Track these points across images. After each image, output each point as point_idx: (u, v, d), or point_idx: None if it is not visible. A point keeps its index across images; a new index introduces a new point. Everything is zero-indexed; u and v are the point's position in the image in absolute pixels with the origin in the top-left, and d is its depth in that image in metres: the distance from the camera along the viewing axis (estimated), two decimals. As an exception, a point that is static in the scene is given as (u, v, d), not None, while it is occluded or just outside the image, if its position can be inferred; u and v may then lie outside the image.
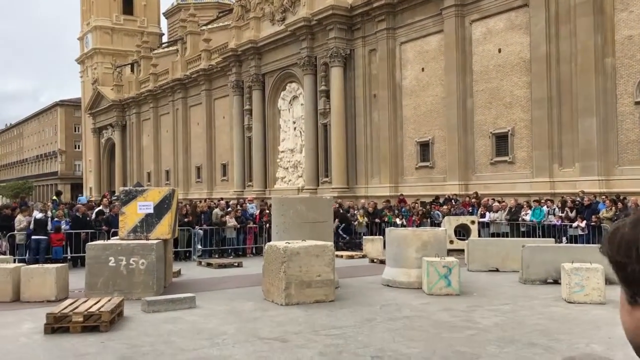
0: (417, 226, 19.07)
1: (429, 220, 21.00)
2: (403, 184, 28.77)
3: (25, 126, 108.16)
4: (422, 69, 28.17)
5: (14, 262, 13.09)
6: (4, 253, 14.59)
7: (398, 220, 20.97)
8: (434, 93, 27.59)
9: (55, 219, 16.72)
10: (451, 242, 16.95)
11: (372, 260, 16.71)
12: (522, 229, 18.53)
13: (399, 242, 11.89)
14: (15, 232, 15.77)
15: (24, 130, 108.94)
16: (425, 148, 28.13)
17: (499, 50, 24.80)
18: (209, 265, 16.20)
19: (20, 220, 16.01)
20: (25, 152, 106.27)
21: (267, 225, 17.91)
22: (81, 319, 7.98)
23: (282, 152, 36.78)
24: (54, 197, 23.53)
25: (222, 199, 25.68)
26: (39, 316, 8.56)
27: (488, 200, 20.85)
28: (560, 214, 18.16)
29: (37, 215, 16.05)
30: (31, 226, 15.76)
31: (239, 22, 39.00)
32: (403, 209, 22.31)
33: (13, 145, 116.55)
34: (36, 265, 11.56)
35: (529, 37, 23.49)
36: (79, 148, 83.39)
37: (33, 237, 15.46)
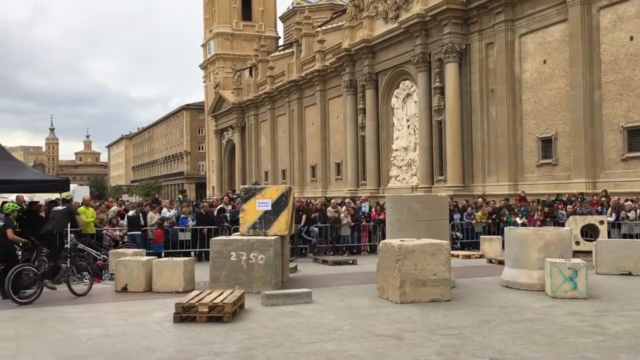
0: (539, 226, 18.17)
1: (551, 220, 19.94)
2: (523, 182, 27.51)
3: (155, 129, 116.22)
4: (544, 61, 26.76)
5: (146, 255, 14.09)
6: (138, 247, 15.75)
7: (518, 220, 20.11)
8: (557, 86, 26.12)
9: (182, 215, 17.84)
10: (577, 243, 15.98)
11: (490, 261, 16.17)
12: (659, 230, 17.06)
13: (519, 242, 11.40)
14: (148, 227, 17.01)
15: (154, 133, 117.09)
16: (547, 144, 26.70)
17: (631, 38, 22.97)
18: (324, 262, 16.49)
19: (152, 217, 17.26)
20: (156, 154, 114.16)
21: (382, 223, 17.90)
22: (206, 310, 8.44)
23: (396, 150, 36.56)
24: (179, 196, 25.05)
25: (342, 200, 25.97)
26: (169, 306, 9.17)
27: (619, 199, 19.41)
28: None
29: (130, 212, 17.25)
30: (125, 222, 16.90)
31: (353, 22, 39.28)
32: (522, 208, 21.35)
33: (144, 147, 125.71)
34: (166, 259, 12.38)
35: (666, 21, 21.56)
36: (202, 149, 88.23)
37: (129, 232, 16.56)
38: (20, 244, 11.28)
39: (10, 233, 10.81)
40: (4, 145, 15.49)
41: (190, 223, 17.56)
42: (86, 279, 12.13)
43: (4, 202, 14.23)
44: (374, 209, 20.89)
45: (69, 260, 11.63)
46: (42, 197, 17.66)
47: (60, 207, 12.33)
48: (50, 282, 11.04)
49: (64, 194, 13.92)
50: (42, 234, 12.66)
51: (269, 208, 12.20)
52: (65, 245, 12.03)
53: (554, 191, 24.15)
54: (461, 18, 30.02)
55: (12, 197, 16.50)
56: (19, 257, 11.39)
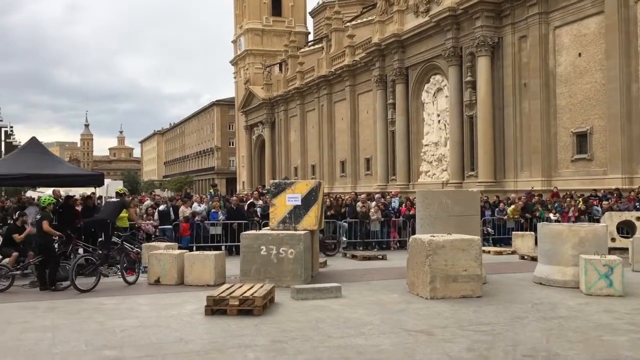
0: (573, 222, 17.84)
1: (586, 216, 19.56)
2: (557, 177, 27.04)
3: (187, 125, 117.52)
4: (579, 54, 26.21)
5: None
6: (169, 240, 15.96)
7: (552, 216, 19.77)
8: (592, 79, 25.56)
9: (212, 210, 18.01)
10: (613, 239, 15.63)
11: (522, 257, 15.94)
12: (699, 227, 16.55)
13: (553, 238, 11.20)
14: (179, 221, 17.22)
15: (186, 128, 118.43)
16: (582, 139, 26.17)
17: (671, 29, 22.34)
18: (353, 257, 16.49)
19: (184, 211, 17.48)
20: (187, 149, 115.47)
21: (412, 218, 17.80)
22: (237, 303, 8.52)
23: (426, 145, 36.29)
24: (211, 190, 25.26)
25: (371, 195, 25.89)
26: (200, 298, 9.28)
27: (656, 195, 18.94)
28: None
29: (161, 207, 17.49)
30: (155, 217, 17.12)
31: (383, 17, 39.06)
32: (557, 204, 20.98)
33: (176, 142, 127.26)
34: (197, 252, 12.54)
35: None
36: (232, 145, 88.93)
37: (159, 226, 16.81)
38: (56, 237, 11.57)
39: (45, 225, 11.08)
40: (42, 141, 15.93)
41: (221, 217, 17.73)
42: (117, 271, 12.42)
43: (39, 197, 14.63)
44: (404, 204, 20.77)
45: (121, 250, 12.23)
46: (77, 192, 18.08)
47: (113, 199, 12.87)
48: (105, 268, 11.52)
49: (118, 188, 14.59)
50: (77, 228, 13.08)
51: (299, 203, 12.23)
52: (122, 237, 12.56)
53: (589, 187, 23.69)
54: (493, 11, 29.60)
55: (49, 191, 16.91)
56: (56, 250, 11.67)
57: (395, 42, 36.69)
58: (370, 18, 45.97)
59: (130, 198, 21.06)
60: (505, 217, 19.93)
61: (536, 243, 14.14)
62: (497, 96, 29.86)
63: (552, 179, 27.07)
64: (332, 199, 20.71)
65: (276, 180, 14.13)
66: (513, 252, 16.91)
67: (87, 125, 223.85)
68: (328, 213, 18.32)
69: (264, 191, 22.78)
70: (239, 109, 72.33)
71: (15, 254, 11.96)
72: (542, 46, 27.58)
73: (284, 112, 58.59)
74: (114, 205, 12.94)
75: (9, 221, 15.08)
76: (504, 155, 29.64)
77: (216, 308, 8.59)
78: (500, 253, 17.03)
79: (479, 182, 29.31)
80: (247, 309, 8.51)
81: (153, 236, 16.32)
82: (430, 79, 35.75)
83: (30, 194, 23.51)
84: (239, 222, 17.42)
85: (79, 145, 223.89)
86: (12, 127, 78.23)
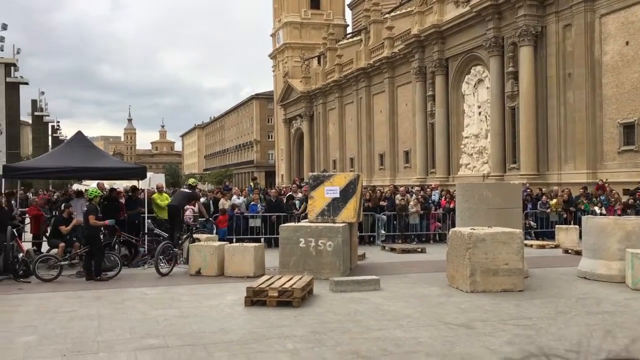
0: (619, 216, 17.33)
1: (633, 210, 18.97)
2: (602, 169, 26.27)
3: (226, 119, 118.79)
4: (627, 43, 25.35)
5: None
6: (209, 232, 16.19)
7: (597, 209, 19.27)
8: (640, 68, 24.71)
9: (252, 202, 18.19)
10: (661, 234, 15.11)
11: (566, 251, 15.60)
12: None
13: (598, 232, 10.92)
14: (220, 213, 17.45)
15: (225, 122, 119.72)
16: (629, 130, 25.34)
17: None
18: (392, 250, 16.43)
19: (224, 203, 17.71)
20: (227, 143, 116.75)
21: (451, 211, 17.61)
22: (276, 294, 8.61)
23: (466, 137, 35.76)
24: (251, 184, 25.51)
25: (408, 188, 25.73)
26: (240, 289, 9.40)
27: None
28: None
29: (201, 200, 17.74)
30: (196, 209, 17.35)
31: (422, 7, 38.58)
32: (603, 198, 20.41)
33: (216, 136, 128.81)
34: (237, 244, 12.70)
35: None
36: (271, 138, 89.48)
37: (200, 219, 17.04)
38: (102, 228, 11.94)
39: (92, 219, 11.40)
40: (87, 136, 16.38)
41: (260, 210, 17.88)
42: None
43: (85, 189, 15.05)
44: (443, 197, 20.56)
45: (190, 239, 12.99)
46: (121, 185, 18.53)
47: (185, 190, 14.42)
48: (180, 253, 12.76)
49: (190, 181, 15.62)
50: (121, 219, 13.48)
51: (337, 195, 12.24)
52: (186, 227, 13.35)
53: (637, 179, 22.97)
54: (537, -1, 28.88)
55: (94, 183, 17.38)
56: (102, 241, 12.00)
57: (435, 33, 36.21)
58: (409, 9, 45.45)
59: (172, 191, 21.47)
60: (548, 210, 19.52)
61: (580, 237, 13.82)
62: (540, 87, 29.17)
63: (598, 171, 26.33)
64: (370, 191, 20.64)
65: (315, 173, 14.16)
66: (556, 246, 16.59)
67: (130, 120, 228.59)
68: (366, 205, 18.29)
69: (303, 184, 22.86)
70: (277, 102, 72.67)
71: (62, 244, 12.37)
72: (587, 35, 26.78)
73: (323, 105, 58.59)
74: (185, 195, 14.01)
75: (55, 213, 15.58)
76: (547, 147, 28.97)
77: (256, 299, 8.69)
78: (543, 247, 16.73)
79: (521, 175, 28.75)
80: (286, 300, 8.58)
81: (194, 228, 16.58)
82: (471, 70, 35.17)
83: (76, 186, 24.20)
84: (278, 215, 17.56)
85: (122, 139, 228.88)
86: (58, 122, 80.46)
